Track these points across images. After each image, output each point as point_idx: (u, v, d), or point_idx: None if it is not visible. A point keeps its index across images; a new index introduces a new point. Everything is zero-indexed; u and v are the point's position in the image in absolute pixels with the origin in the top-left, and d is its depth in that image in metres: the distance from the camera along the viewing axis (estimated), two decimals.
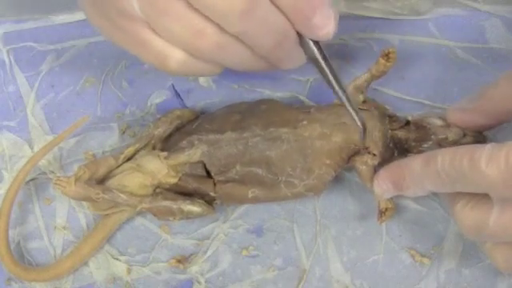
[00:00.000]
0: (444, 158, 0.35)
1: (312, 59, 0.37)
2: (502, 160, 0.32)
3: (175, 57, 0.36)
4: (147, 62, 0.38)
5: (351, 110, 0.38)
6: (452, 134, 0.40)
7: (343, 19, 0.38)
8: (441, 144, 0.40)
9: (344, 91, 0.38)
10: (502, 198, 0.34)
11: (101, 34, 0.39)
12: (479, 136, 0.41)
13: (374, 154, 0.41)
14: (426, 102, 0.46)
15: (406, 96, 0.46)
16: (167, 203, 0.42)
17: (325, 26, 0.35)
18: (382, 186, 0.40)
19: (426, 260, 0.43)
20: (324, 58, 0.37)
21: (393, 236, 0.44)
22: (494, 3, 0.47)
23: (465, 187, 0.35)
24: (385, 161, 0.41)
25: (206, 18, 0.34)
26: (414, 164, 0.38)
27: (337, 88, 0.38)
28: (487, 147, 0.33)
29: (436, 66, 0.47)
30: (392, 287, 0.43)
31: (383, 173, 0.40)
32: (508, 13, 0.47)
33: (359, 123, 0.39)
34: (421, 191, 0.38)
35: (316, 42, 0.36)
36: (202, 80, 0.48)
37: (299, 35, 0.36)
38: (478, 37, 0.47)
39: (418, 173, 0.37)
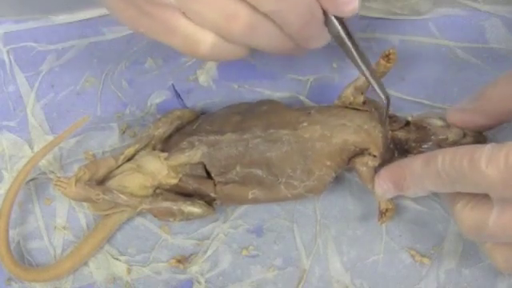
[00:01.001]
0: (444, 158, 0.35)
1: (336, 37, 0.38)
2: (502, 160, 0.32)
3: (206, 41, 0.36)
4: (176, 48, 0.37)
5: (376, 87, 0.39)
6: (452, 135, 0.40)
7: None
8: (441, 144, 0.40)
9: (368, 68, 0.38)
10: (501, 198, 0.34)
11: (124, 23, 0.38)
12: (479, 136, 0.41)
13: (375, 156, 0.41)
14: (426, 102, 0.46)
15: (406, 96, 0.46)
16: (167, 204, 0.42)
17: (350, 1, 0.35)
18: (383, 186, 0.40)
19: (426, 260, 0.43)
20: (349, 35, 0.37)
21: (393, 236, 0.44)
22: (494, 3, 0.47)
23: (465, 187, 0.35)
24: (385, 162, 0.41)
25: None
26: (414, 164, 0.38)
27: (361, 65, 0.38)
28: (487, 147, 0.33)
29: (436, 66, 0.47)
30: (392, 287, 0.43)
31: (384, 173, 0.40)
32: (508, 13, 0.47)
33: (384, 99, 0.39)
34: (421, 191, 0.39)
35: (340, 20, 0.37)
36: (201, 80, 0.48)
37: (324, 13, 0.36)
38: (478, 37, 0.47)
39: (419, 173, 0.37)
